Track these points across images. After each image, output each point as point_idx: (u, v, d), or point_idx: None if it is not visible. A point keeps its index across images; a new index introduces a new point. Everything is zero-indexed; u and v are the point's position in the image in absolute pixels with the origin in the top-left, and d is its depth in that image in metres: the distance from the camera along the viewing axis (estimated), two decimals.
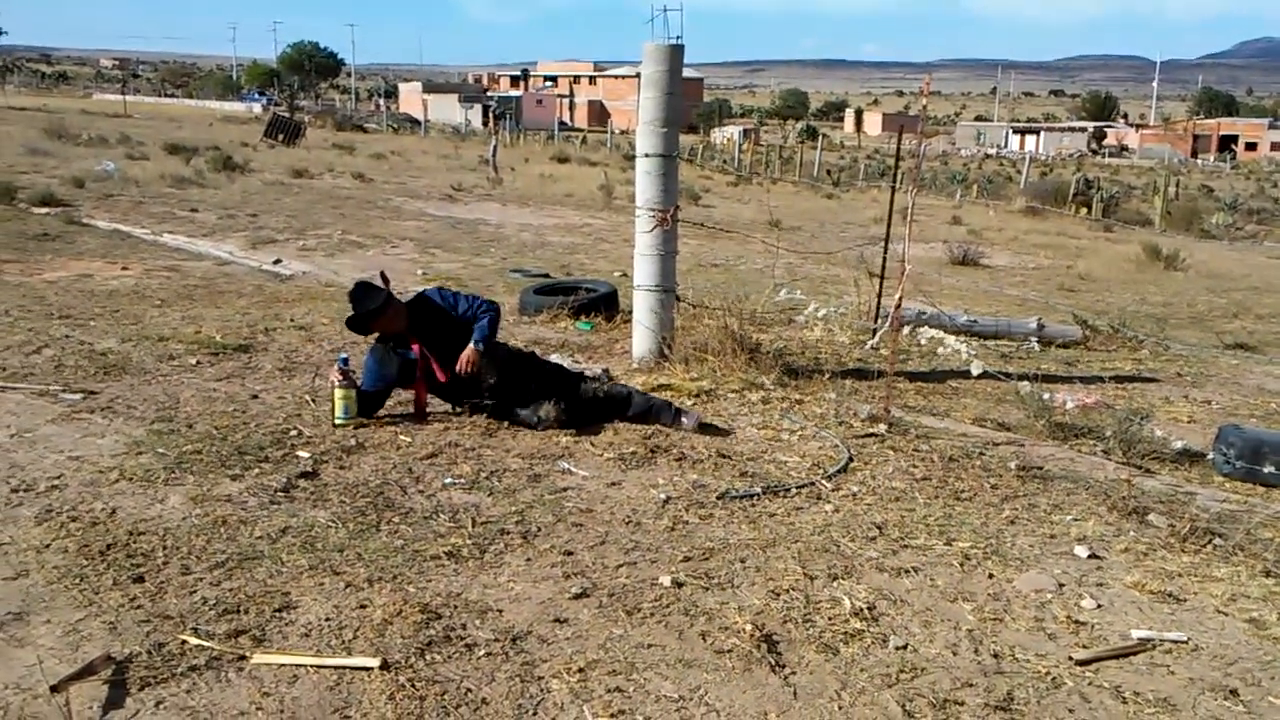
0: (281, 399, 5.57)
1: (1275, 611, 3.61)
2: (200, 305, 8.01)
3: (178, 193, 16.51)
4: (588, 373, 5.91)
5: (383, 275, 5.39)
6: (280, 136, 34.55)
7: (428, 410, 5.36)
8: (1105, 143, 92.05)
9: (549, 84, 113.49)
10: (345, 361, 5.13)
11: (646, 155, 6.50)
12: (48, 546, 3.62)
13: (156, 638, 3.04)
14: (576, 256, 12.58)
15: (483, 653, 3.06)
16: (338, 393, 5.09)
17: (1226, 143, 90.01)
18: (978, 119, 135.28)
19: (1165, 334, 9.22)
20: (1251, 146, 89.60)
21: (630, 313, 6.98)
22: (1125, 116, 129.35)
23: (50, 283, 8.55)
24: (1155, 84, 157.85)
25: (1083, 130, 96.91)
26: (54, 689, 2.72)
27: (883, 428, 5.52)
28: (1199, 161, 78.13)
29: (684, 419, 5.36)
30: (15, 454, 4.51)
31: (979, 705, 2.93)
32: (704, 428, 5.36)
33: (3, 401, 5.25)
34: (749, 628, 3.25)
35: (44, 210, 12.92)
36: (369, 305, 5.16)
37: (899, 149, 9.18)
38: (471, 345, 5.21)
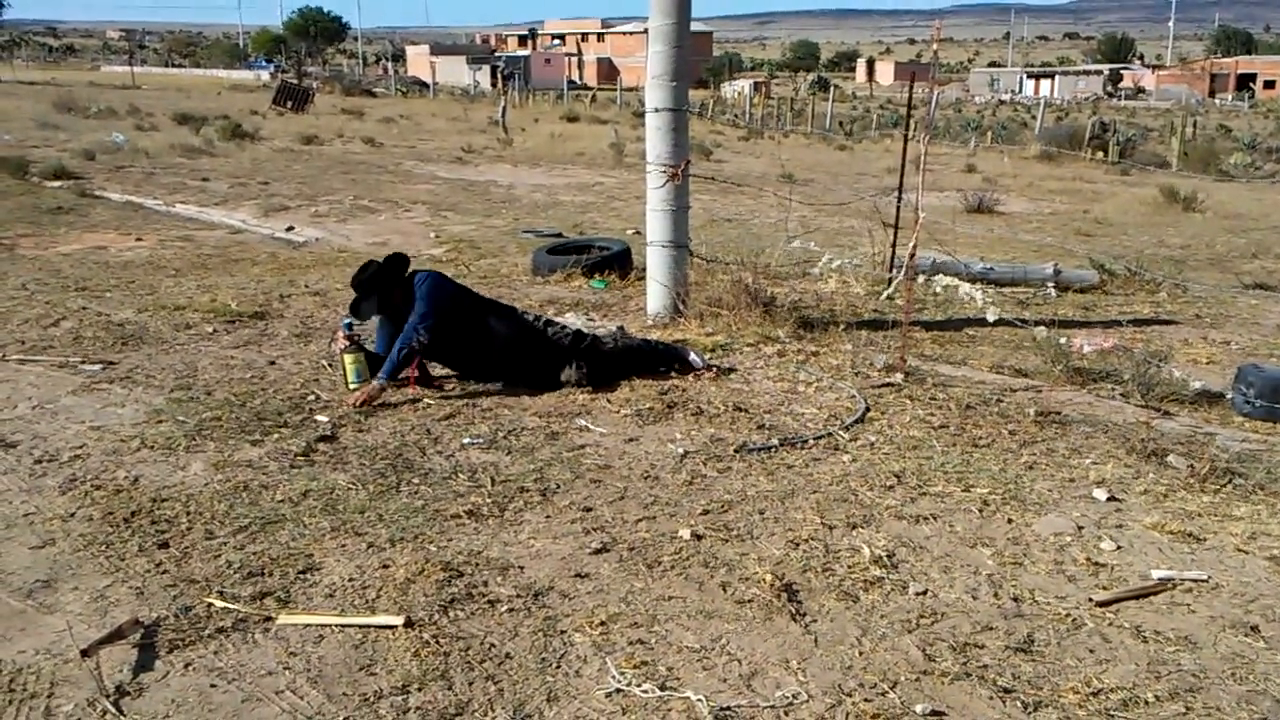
0: (298, 364, 5.59)
1: None
2: (215, 274, 8.03)
3: (188, 162, 16.51)
4: (600, 333, 5.88)
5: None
6: (289, 103, 34.41)
7: (435, 378, 5.29)
8: (1121, 85, 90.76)
9: (557, 42, 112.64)
10: (350, 325, 5.07)
11: (656, 110, 6.45)
12: (73, 515, 3.66)
13: (183, 601, 3.08)
14: (589, 215, 12.54)
15: (505, 609, 3.09)
16: (347, 358, 5.05)
17: (1244, 81, 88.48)
18: (991, 65, 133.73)
19: (1183, 276, 9.13)
20: (1270, 85, 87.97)
21: (644, 270, 6.96)
22: (1141, 58, 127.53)
23: (65, 255, 8.58)
24: (1171, 23, 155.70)
25: (1098, 73, 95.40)
26: (84, 653, 2.76)
27: (899, 377, 5.51)
28: (1217, 101, 76.96)
29: (692, 357, 5.56)
30: (38, 425, 4.56)
31: (999, 648, 2.94)
32: (714, 371, 5.52)
33: (23, 374, 5.29)
34: (769, 578, 3.27)
35: (56, 184, 12.94)
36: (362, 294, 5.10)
37: (911, 98, 9.07)
38: (376, 381, 4.97)
